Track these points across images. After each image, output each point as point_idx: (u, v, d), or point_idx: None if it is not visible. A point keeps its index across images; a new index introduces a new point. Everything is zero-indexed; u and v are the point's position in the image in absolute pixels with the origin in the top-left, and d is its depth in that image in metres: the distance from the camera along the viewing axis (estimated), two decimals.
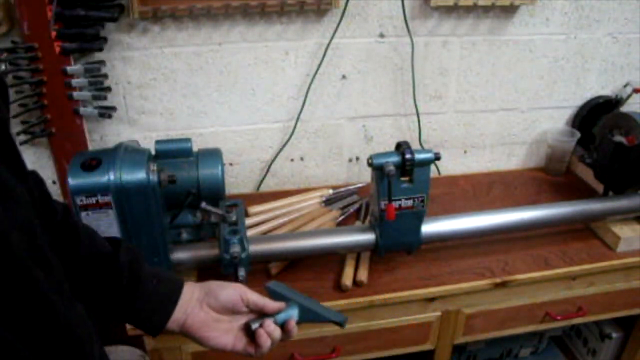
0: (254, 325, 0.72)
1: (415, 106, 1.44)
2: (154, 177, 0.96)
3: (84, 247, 0.67)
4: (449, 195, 1.46)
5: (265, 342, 0.71)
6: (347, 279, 1.10)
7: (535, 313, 1.26)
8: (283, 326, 0.75)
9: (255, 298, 0.74)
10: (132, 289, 0.70)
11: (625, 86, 1.53)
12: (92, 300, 0.68)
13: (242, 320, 0.74)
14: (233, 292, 0.73)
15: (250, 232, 1.21)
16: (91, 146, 1.31)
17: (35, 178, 0.63)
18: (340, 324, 0.78)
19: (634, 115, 1.26)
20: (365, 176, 1.50)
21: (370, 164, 1.05)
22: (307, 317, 0.78)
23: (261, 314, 0.75)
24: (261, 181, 1.48)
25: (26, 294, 0.46)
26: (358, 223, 1.31)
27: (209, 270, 1.12)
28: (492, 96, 1.50)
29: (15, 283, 0.45)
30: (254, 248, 1.05)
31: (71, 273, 0.64)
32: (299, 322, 0.77)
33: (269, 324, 0.73)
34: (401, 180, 1.06)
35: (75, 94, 1.21)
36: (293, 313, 0.77)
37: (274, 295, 0.78)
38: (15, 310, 0.45)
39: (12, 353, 0.44)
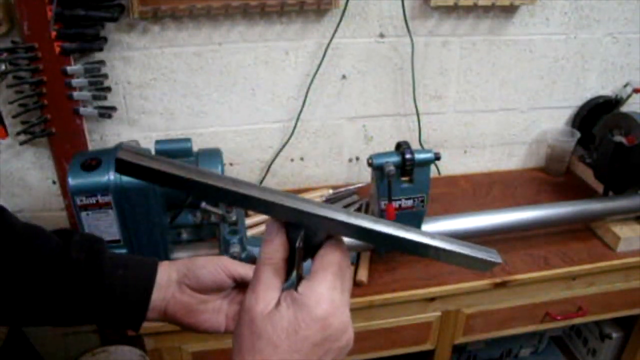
0: None
1: (415, 106, 1.44)
2: None
3: (22, 250, 0.58)
4: (449, 195, 1.46)
5: None
6: (363, 276, 1.10)
7: (535, 313, 1.26)
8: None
9: (242, 270, 0.62)
10: (95, 285, 0.59)
11: (625, 86, 1.53)
12: (50, 305, 0.59)
13: (231, 295, 0.63)
14: (214, 269, 0.62)
15: (250, 232, 1.21)
16: (91, 146, 1.31)
17: None
18: None
19: (634, 115, 1.26)
20: (365, 176, 1.50)
21: (370, 164, 1.05)
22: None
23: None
24: (261, 181, 1.48)
25: None
26: None
27: None
28: (492, 96, 1.50)
29: None
30: (253, 248, 1.05)
31: (15, 279, 0.57)
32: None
33: None
34: (401, 180, 1.06)
35: (75, 94, 1.21)
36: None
37: None
38: None
39: None
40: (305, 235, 0.43)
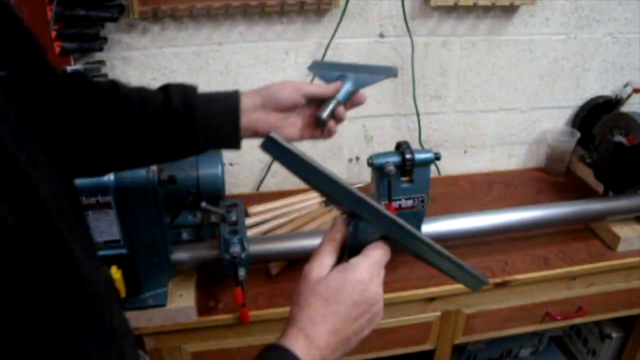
0: (324, 115, 0.80)
1: (415, 106, 1.44)
2: (154, 177, 0.96)
3: (137, 112, 0.74)
4: (449, 195, 1.46)
5: (334, 126, 0.82)
6: None
7: (535, 313, 1.26)
8: (347, 101, 0.83)
9: (313, 89, 0.82)
10: (194, 124, 0.76)
11: (625, 86, 1.53)
12: (165, 145, 0.76)
13: (303, 110, 0.83)
14: (291, 90, 0.81)
15: (250, 232, 1.21)
16: None
17: (65, 74, 0.74)
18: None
19: (634, 115, 1.26)
20: (365, 176, 1.50)
21: (370, 164, 1.05)
22: (363, 81, 0.84)
23: (321, 101, 0.82)
24: (261, 181, 1.48)
25: (49, 242, 0.42)
26: None
27: (209, 271, 1.12)
28: (492, 96, 1.50)
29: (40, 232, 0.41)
30: (253, 248, 1.05)
31: (135, 140, 0.74)
32: (357, 90, 0.84)
33: (337, 108, 0.81)
34: (401, 180, 1.06)
35: None
36: (348, 86, 0.82)
37: (321, 74, 0.86)
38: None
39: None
40: (361, 230, 0.56)
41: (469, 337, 1.25)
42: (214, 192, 1.08)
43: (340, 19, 1.28)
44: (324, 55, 1.32)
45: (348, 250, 0.57)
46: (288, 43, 1.31)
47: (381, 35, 1.35)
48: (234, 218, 1.05)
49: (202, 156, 1.08)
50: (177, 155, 0.80)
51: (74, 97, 0.72)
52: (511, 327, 1.27)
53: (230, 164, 1.44)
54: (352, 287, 0.54)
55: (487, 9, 1.37)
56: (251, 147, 1.45)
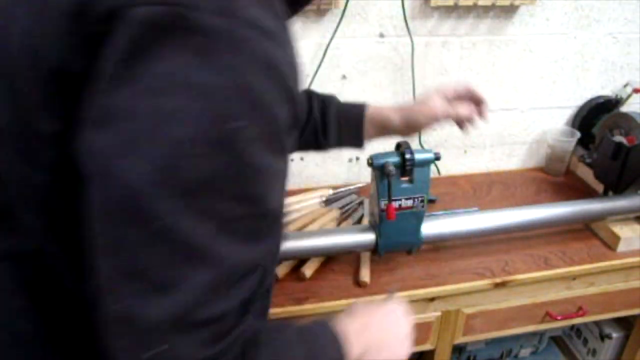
0: None
1: None
2: None
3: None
4: (449, 195, 1.46)
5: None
6: (366, 276, 1.11)
7: (535, 313, 1.26)
8: None
9: (444, 108, 0.99)
10: (327, 133, 0.99)
11: (625, 86, 1.53)
12: (303, 144, 1.00)
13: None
14: (429, 114, 0.97)
15: None
16: None
17: None
18: None
19: (634, 115, 1.26)
20: (365, 176, 1.50)
21: (370, 164, 1.05)
22: None
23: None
24: None
25: None
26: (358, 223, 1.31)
27: None
28: (492, 96, 1.50)
29: None
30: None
31: None
32: None
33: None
34: (401, 180, 1.06)
35: None
36: None
37: None
38: None
39: None
40: None
41: (469, 337, 1.25)
42: None
43: (340, 19, 1.28)
44: (324, 55, 1.32)
45: None
46: None
47: (381, 35, 1.35)
48: None
49: None
50: (303, 149, 1.04)
51: None
52: (511, 327, 1.27)
53: None
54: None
55: (487, 9, 1.37)
56: None
